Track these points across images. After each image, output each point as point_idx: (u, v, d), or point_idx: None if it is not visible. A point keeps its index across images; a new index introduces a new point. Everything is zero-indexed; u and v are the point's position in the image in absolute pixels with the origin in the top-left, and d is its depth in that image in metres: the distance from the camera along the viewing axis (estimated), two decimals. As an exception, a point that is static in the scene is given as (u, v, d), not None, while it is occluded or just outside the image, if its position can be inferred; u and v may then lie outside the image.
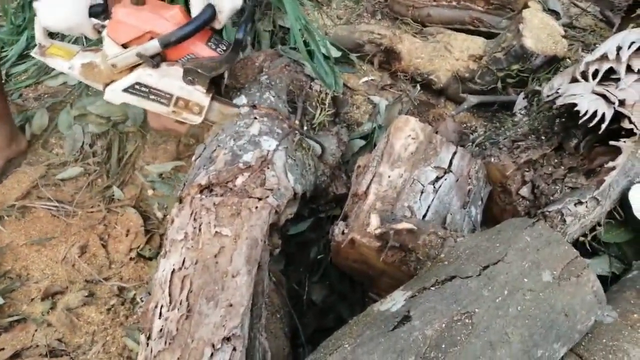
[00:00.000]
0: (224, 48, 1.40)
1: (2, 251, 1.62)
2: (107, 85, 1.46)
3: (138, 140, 1.89)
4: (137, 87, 1.41)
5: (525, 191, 1.43)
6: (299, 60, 1.76)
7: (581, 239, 1.42)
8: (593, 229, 1.43)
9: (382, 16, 2.50)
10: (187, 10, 1.39)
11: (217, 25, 1.39)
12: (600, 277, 1.06)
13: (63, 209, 1.72)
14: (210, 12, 1.33)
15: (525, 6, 1.99)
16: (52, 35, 1.55)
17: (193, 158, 1.38)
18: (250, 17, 1.41)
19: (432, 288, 0.96)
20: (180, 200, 1.15)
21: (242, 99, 1.49)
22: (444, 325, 0.88)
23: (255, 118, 1.39)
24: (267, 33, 2.25)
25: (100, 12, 1.38)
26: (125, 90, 1.42)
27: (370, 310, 0.99)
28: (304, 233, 1.61)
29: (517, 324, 0.91)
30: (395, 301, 0.97)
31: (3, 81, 2.11)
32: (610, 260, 1.47)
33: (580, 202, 1.35)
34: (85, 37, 1.59)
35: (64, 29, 1.39)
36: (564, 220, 1.33)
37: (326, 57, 2.04)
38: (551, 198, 1.42)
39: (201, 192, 1.13)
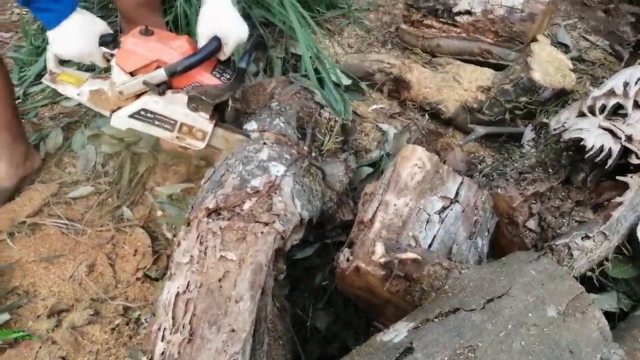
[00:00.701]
0: (228, 77, 1.44)
1: (11, 267, 1.64)
2: (113, 111, 1.51)
3: (149, 162, 1.92)
4: (142, 113, 1.46)
5: (532, 223, 1.42)
6: (310, 88, 1.79)
7: (588, 273, 1.41)
8: (600, 263, 1.43)
9: (392, 46, 2.54)
10: (195, 40, 1.44)
11: (222, 57, 1.44)
12: (607, 313, 1.05)
13: (73, 227, 1.74)
14: (216, 44, 1.38)
15: (534, 39, 2.02)
16: (62, 62, 1.60)
17: (202, 181, 1.40)
18: (253, 48, 1.46)
19: (436, 320, 0.96)
20: (188, 223, 1.16)
21: (252, 124, 1.52)
22: (446, 358, 0.88)
23: (265, 143, 1.41)
24: (279, 60, 2.30)
25: (109, 41, 1.43)
26: (132, 116, 1.47)
27: (373, 341, 0.98)
28: (310, 258, 1.61)
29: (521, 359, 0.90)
30: (398, 332, 0.97)
31: (19, 101, 2.17)
32: (618, 296, 1.45)
33: (587, 237, 1.35)
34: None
35: (74, 57, 1.44)
36: (571, 254, 1.33)
37: (336, 85, 2.07)
38: (558, 231, 1.42)
39: (209, 215, 1.14)
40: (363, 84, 2.21)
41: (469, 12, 2.21)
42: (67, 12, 1.35)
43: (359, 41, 2.57)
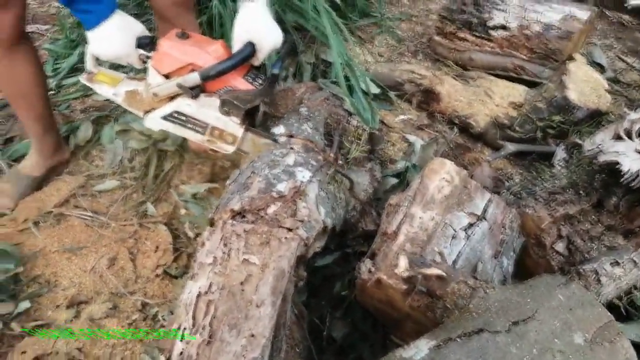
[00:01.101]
0: (260, 82, 1.45)
1: (35, 256, 1.66)
2: (147, 112, 1.54)
3: (175, 160, 1.93)
4: (175, 115, 1.48)
5: (560, 246, 1.39)
6: (339, 95, 1.78)
7: (615, 301, 1.37)
8: (629, 292, 1.38)
9: (423, 57, 2.53)
10: (229, 45, 1.45)
11: (256, 62, 1.46)
12: (634, 343, 1.01)
13: (97, 219, 1.76)
14: (250, 50, 1.39)
15: (570, 58, 1.98)
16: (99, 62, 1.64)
17: (227, 182, 1.40)
18: (287, 55, 1.47)
19: (458, 340, 0.94)
20: (212, 223, 1.16)
21: (280, 128, 1.52)
22: (468, 379, 0.86)
23: (292, 148, 1.41)
24: (309, 66, 2.30)
25: (146, 43, 1.46)
26: (164, 117, 1.50)
27: (392, 356, 0.97)
28: (329, 266, 1.60)
29: (544, 386, 0.88)
30: (419, 349, 0.95)
31: (52, 92, 2.21)
32: (646, 326, 1.40)
33: (616, 263, 1.31)
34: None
35: (112, 58, 1.47)
36: (599, 280, 1.29)
37: (365, 93, 2.06)
38: (587, 256, 1.39)
39: (233, 217, 1.14)
40: (392, 94, 2.20)
41: (504, 27, 2.18)
42: (107, 13, 1.37)
43: (389, 50, 2.56)
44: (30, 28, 2.82)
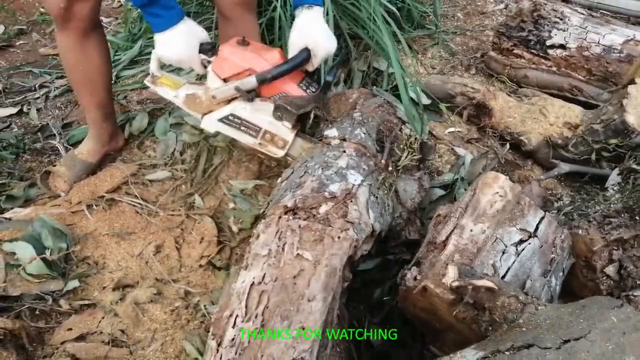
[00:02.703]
0: (314, 90, 1.49)
1: (86, 237, 1.72)
2: (205, 114, 1.61)
3: (224, 155, 1.97)
4: (231, 118, 1.54)
5: (611, 270, 1.36)
6: (393, 103, 1.79)
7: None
8: (682, 323, 1.33)
9: (476, 71, 2.51)
10: (287, 53, 1.50)
11: (310, 68, 1.51)
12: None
13: (147, 207, 1.81)
14: (305, 55, 1.44)
15: (632, 82, 1.93)
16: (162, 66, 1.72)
17: (279, 180, 1.42)
18: (341, 63, 1.50)
19: (507, 353, 0.93)
20: (264, 217, 1.19)
21: (333, 131, 1.54)
22: (516, 393, 0.85)
23: (344, 151, 1.42)
24: (361, 73, 2.32)
25: (208, 49, 1.53)
26: (221, 120, 1.56)
27: (438, 362, 0.96)
28: (370, 271, 1.60)
29: (595, 408, 0.86)
30: (466, 358, 0.94)
31: (112, 82, 2.29)
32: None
33: (670, 291, 1.27)
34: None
35: (175, 62, 1.54)
36: (651, 308, 1.25)
37: (415, 103, 2.06)
38: (638, 282, 1.35)
39: (285, 213, 1.16)
40: (442, 106, 2.19)
41: (563, 47, 2.15)
42: (175, 20, 1.44)
43: (442, 63, 2.55)
44: (94, 20, 2.94)
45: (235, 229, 1.77)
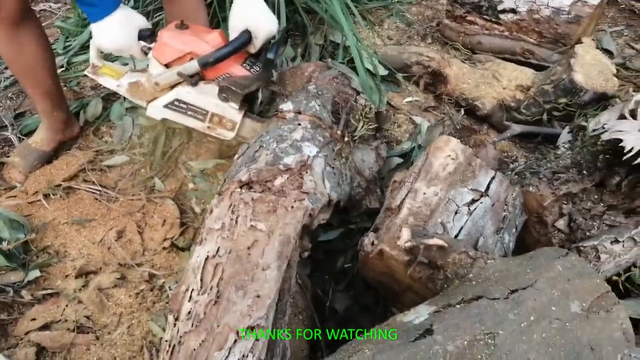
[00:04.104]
0: (258, 69, 1.48)
1: (45, 227, 1.69)
2: (149, 102, 1.59)
3: (183, 137, 1.95)
4: (176, 103, 1.53)
5: (561, 224, 1.41)
6: (347, 74, 1.79)
7: (614, 278, 1.39)
8: (628, 269, 1.40)
9: (432, 40, 2.53)
10: (227, 34, 1.48)
11: (252, 50, 1.49)
12: (632, 319, 1.03)
13: (106, 193, 1.79)
14: (246, 37, 1.43)
15: (579, 42, 1.98)
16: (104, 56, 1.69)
17: (235, 156, 1.42)
18: (282, 41, 1.51)
19: (458, 306, 0.96)
20: (220, 194, 1.19)
21: (288, 105, 1.54)
22: (466, 342, 0.88)
23: (299, 124, 1.43)
24: (318, 47, 2.31)
25: (147, 35, 1.50)
26: (166, 106, 1.55)
27: (392, 321, 0.99)
28: (333, 241, 1.62)
29: (540, 351, 0.90)
30: (419, 314, 0.97)
31: (63, 69, 2.23)
32: (644, 303, 1.42)
33: (617, 241, 1.32)
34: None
35: (115, 50, 1.51)
36: (599, 257, 1.31)
37: (373, 75, 2.07)
38: (587, 233, 1.40)
39: (241, 187, 1.16)
40: (399, 76, 2.21)
41: (513, 11, 2.18)
42: (111, 8, 1.40)
43: (398, 34, 2.56)
44: (42, 6, 2.85)
45: (197, 209, 1.77)
